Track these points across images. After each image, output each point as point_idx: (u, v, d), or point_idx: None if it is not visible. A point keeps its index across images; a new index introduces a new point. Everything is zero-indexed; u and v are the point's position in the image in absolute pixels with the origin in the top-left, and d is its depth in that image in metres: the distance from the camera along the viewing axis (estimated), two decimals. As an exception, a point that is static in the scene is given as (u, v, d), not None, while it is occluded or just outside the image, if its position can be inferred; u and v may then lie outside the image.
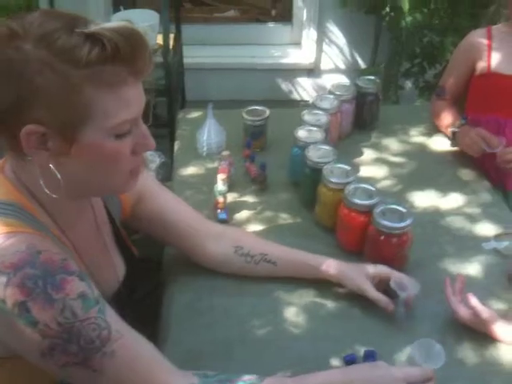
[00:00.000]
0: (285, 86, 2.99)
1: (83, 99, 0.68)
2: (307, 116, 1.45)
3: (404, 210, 1.10)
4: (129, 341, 0.74)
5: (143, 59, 0.70)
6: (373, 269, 1.04)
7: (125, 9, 2.35)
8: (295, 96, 3.04)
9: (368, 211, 1.12)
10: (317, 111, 1.47)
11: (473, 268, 1.16)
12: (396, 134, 1.68)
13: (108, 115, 0.70)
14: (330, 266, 1.06)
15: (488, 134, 1.47)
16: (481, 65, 1.57)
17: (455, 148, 1.58)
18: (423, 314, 1.05)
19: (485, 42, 1.55)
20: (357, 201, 1.12)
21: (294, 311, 1.05)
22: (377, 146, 1.62)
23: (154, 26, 2.21)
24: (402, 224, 1.06)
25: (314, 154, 1.28)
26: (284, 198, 1.39)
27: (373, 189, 1.16)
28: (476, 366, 0.96)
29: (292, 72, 2.95)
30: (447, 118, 1.61)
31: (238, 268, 1.08)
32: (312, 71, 2.97)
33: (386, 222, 1.06)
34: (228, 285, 1.09)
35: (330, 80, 2.98)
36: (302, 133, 1.37)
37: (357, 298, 1.06)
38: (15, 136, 0.70)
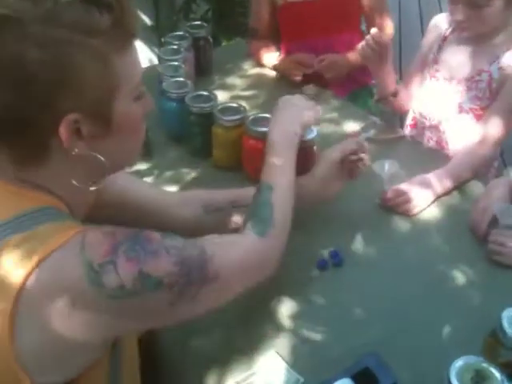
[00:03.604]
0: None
1: (113, 67, 0.65)
2: (164, 68, 1.42)
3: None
4: (210, 238, 0.76)
5: (135, 15, 0.70)
6: (332, 155, 1.09)
7: None
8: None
9: (272, 136, 1.19)
10: (169, 63, 1.46)
11: (363, 158, 1.34)
12: (233, 72, 1.77)
13: (130, 78, 0.68)
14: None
15: (300, 57, 1.64)
16: None
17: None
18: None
19: None
20: (262, 129, 1.18)
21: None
22: (225, 87, 1.68)
23: None
24: (313, 135, 1.16)
25: (196, 101, 1.28)
26: (172, 155, 1.37)
27: (268, 115, 1.23)
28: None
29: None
30: (265, 54, 1.75)
31: (213, 225, 1.01)
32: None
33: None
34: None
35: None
36: (170, 85, 1.35)
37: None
38: (44, 137, 0.64)
